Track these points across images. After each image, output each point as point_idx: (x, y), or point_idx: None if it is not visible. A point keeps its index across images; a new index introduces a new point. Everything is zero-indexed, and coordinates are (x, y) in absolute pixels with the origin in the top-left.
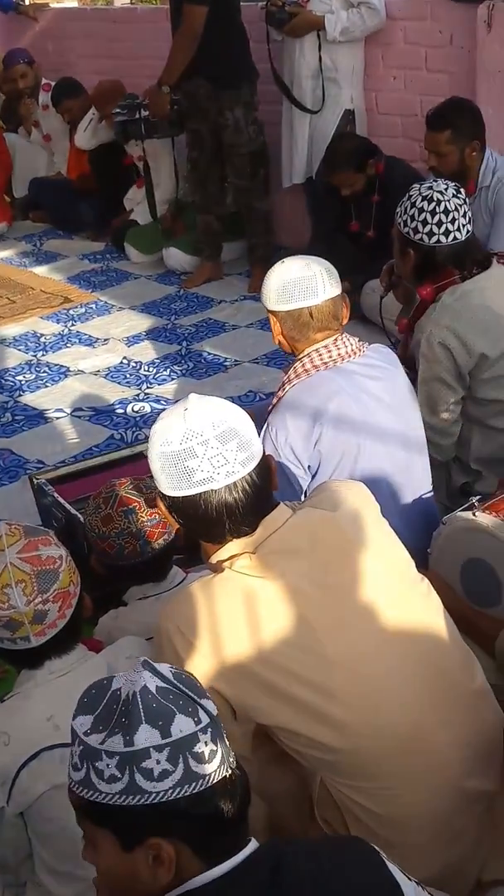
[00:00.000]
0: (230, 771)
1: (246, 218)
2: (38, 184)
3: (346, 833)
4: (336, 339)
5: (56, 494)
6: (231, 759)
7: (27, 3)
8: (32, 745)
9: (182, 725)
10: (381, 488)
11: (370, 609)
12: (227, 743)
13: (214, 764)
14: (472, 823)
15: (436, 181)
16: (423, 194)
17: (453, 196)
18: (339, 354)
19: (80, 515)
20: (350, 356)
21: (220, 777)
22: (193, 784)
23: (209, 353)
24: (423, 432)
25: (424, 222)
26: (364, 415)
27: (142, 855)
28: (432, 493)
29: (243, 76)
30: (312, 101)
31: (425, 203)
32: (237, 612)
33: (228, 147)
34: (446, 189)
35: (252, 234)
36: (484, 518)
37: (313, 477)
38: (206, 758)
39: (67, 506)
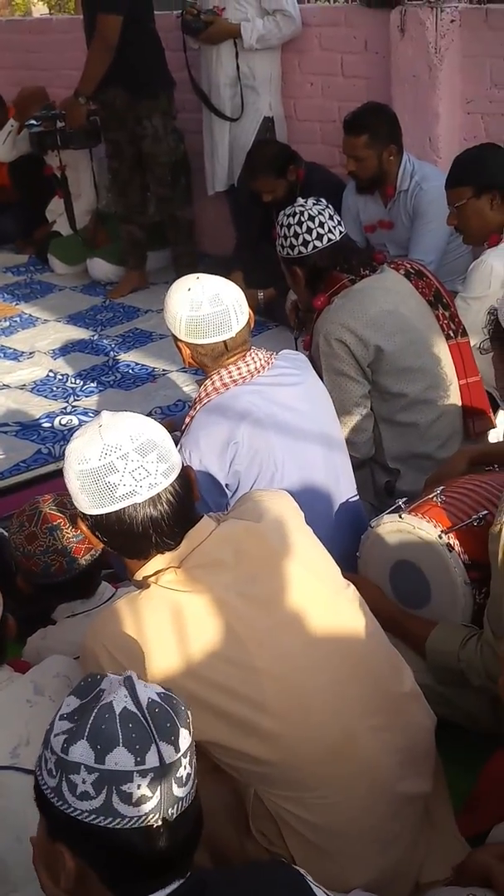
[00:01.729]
0: (165, 820)
1: (169, 227)
2: None
3: (283, 844)
4: (245, 356)
5: None
6: (173, 809)
7: None
8: None
9: (120, 759)
10: (304, 496)
11: (298, 619)
12: (182, 788)
13: (143, 809)
14: (408, 826)
15: (297, 200)
16: (287, 213)
17: (314, 204)
18: (248, 371)
19: (5, 533)
20: (260, 370)
21: (145, 823)
22: (110, 819)
23: (136, 364)
24: (341, 433)
25: (296, 235)
26: (279, 428)
27: (58, 850)
28: (357, 496)
29: (160, 85)
30: (231, 109)
31: (291, 219)
32: (164, 628)
33: (148, 156)
34: (306, 202)
35: (176, 242)
36: (411, 520)
37: (233, 495)
38: (134, 800)
39: None
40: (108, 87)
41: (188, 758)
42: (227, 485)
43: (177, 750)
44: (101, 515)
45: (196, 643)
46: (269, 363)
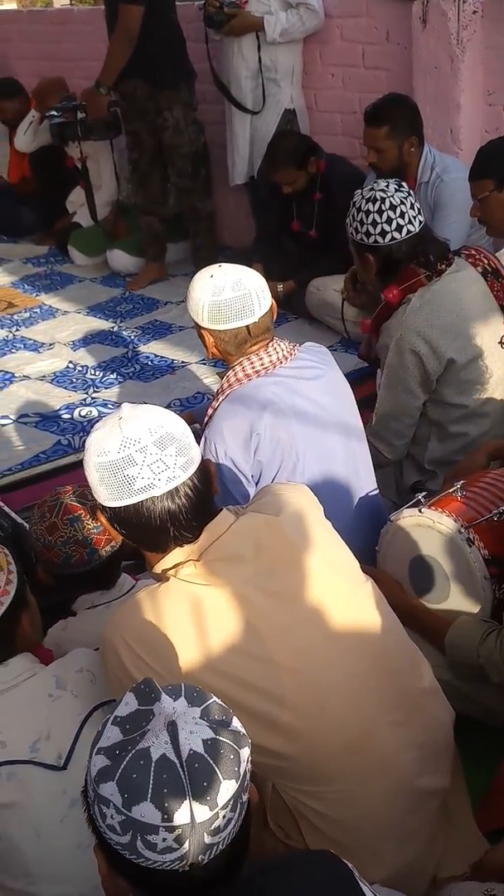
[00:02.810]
0: (193, 865)
1: (189, 218)
2: None
3: (300, 838)
4: (267, 346)
5: (1, 503)
6: (203, 856)
7: None
8: None
9: (146, 813)
10: (324, 490)
11: (317, 613)
12: (217, 836)
13: (167, 857)
14: (426, 822)
15: (376, 182)
16: (367, 197)
17: (396, 191)
18: (270, 361)
19: (26, 524)
20: (283, 361)
21: (171, 868)
22: (135, 857)
23: (156, 356)
24: (362, 426)
25: (374, 223)
26: (300, 419)
27: (99, 857)
28: (377, 490)
29: (181, 76)
30: (252, 102)
31: (371, 205)
32: (184, 621)
33: (169, 148)
34: (388, 186)
35: (195, 234)
36: (431, 514)
37: (255, 485)
38: (159, 850)
39: (13, 515)
40: (128, 78)
41: (229, 807)
42: (251, 476)
43: (212, 807)
44: (120, 508)
45: (215, 637)
46: (291, 354)
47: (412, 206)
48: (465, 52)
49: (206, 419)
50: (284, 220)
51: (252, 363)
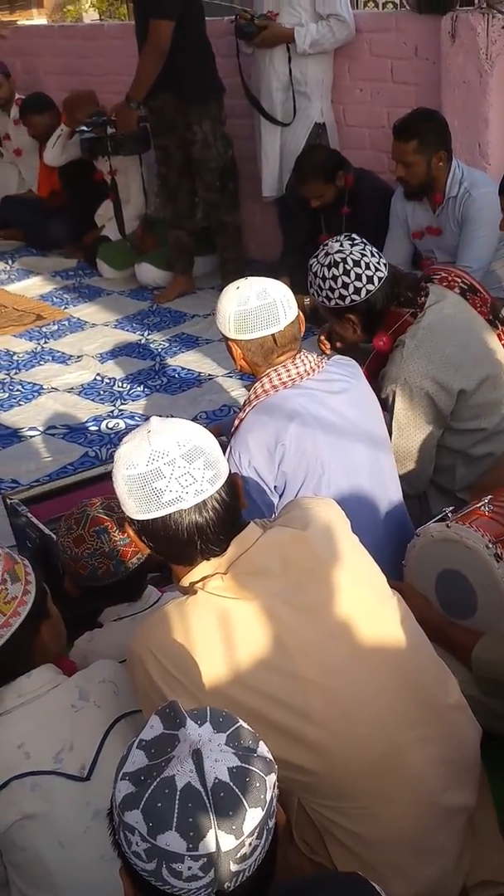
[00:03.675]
0: (220, 892)
1: (216, 232)
2: (9, 202)
3: (326, 854)
4: (294, 358)
5: (30, 515)
6: (230, 883)
7: None
8: (3, 774)
9: (171, 842)
10: (350, 502)
11: (344, 628)
12: (243, 863)
13: (193, 885)
14: (453, 838)
15: (325, 245)
16: (324, 264)
17: (351, 246)
18: (297, 373)
19: (53, 536)
20: (310, 373)
21: (192, 893)
22: (161, 884)
23: (183, 368)
24: (388, 438)
25: (345, 286)
26: (326, 431)
27: (122, 873)
28: (404, 505)
29: (210, 91)
30: (283, 114)
31: (334, 270)
32: (211, 635)
33: (197, 162)
34: (341, 245)
35: (223, 248)
36: (458, 529)
37: (280, 496)
38: (184, 878)
39: (41, 526)
40: (158, 92)
41: (255, 835)
42: (274, 487)
43: (238, 836)
44: (148, 521)
45: (242, 651)
46: (319, 366)
47: (372, 254)
48: (493, 66)
49: (232, 429)
50: (313, 234)
51: (279, 374)
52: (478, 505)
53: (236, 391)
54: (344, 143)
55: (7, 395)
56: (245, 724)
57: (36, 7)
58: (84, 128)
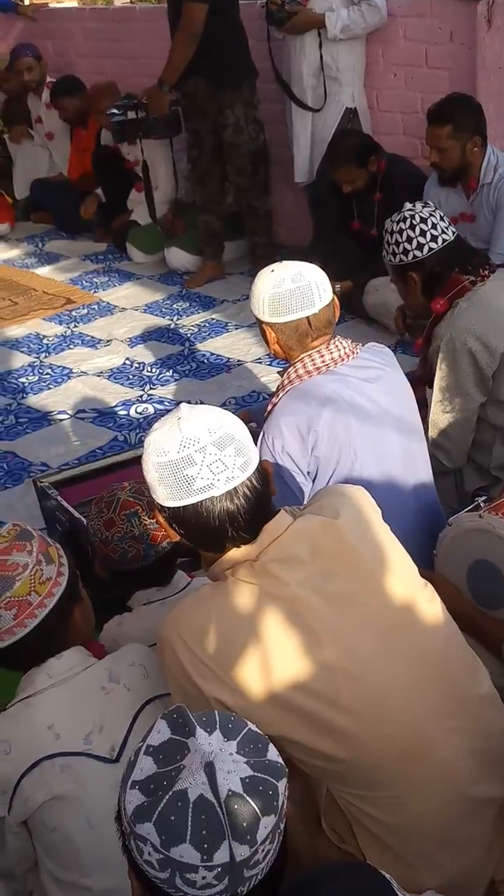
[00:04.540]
0: (234, 895)
1: (247, 217)
2: (40, 185)
3: (355, 843)
4: (329, 343)
5: (60, 498)
6: (243, 888)
7: (27, 3)
8: (33, 755)
9: (185, 854)
10: (382, 490)
11: (374, 617)
12: (256, 868)
13: (206, 893)
14: (482, 829)
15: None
16: (395, 220)
17: (423, 207)
18: (332, 358)
19: (83, 519)
20: (344, 359)
21: None
22: (174, 890)
23: (212, 354)
24: (422, 427)
25: (409, 239)
26: (360, 418)
27: (130, 875)
28: (435, 493)
29: (243, 75)
30: (314, 100)
31: (401, 224)
32: (241, 621)
33: (229, 146)
34: (413, 205)
35: (253, 233)
36: (490, 519)
37: (312, 482)
38: (198, 886)
39: (71, 509)
40: (190, 76)
41: (268, 840)
42: (307, 472)
43: (252, 846)
44: (179, 508)
45: (272, 638)
46: (353, 353)
47: (441, 219)
48: None
49: (265, 414)
50: (344, 220)
51: (313, 360)
52: None
53: (266, 377)
54: (377, 128)
55: (37, 378)
56: (253, 727)
57: None
58: (115, 111)
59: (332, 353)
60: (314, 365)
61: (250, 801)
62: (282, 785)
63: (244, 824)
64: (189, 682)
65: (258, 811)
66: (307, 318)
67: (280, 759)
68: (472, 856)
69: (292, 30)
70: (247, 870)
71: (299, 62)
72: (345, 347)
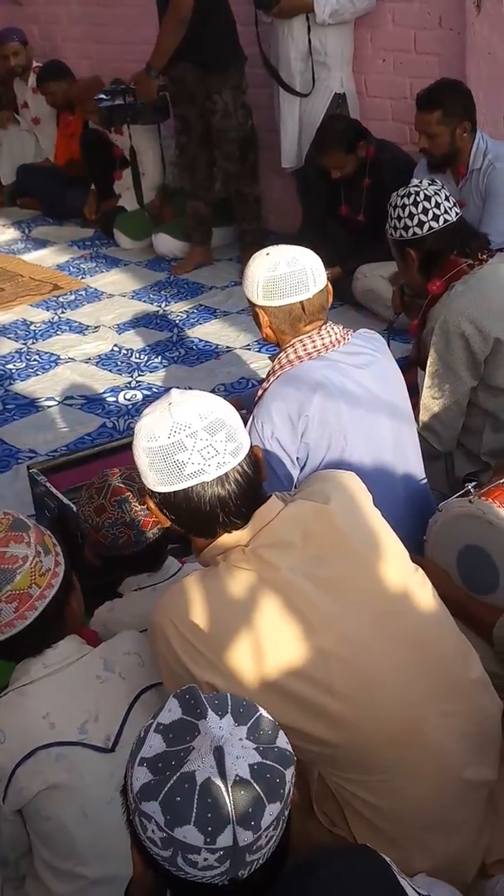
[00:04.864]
0: (233, 880)
1: (235, 203)
2: (26, 170)
3: (346, 827)
4: (321, 329)
5: (48, 484)
6: (244, 871)
7: None
8: (28, 744)
9: (189, 835)
10: (372, 476)
11: (365, 601)
12: (258, 853)
13: (208, 874)
14: (473, 813)
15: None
16: (400, 194)
17: (429, 185)
18: (323, 344)
19: (72, 505)
20: (335, 345)
21: (212, 882)
22: (175, 869)
23: (200, 340)
24: (412, 413)
25: (411, 216)
26: (350, 404)
27: (135, 854)
28: (426, 480)
29: (231, 60)
30: (302, 85)
31: (406, 199)
32: (233, 607)
33: (217, 131)
34: (420, 181)
35: (242, 219)
36: (480, 504)
37: (302, 468)
38: (199, 867)
39: (60, 495)
40: (178, 61)
41: (272, 827)
42: (297, 458)
43: (255, 831)
44: (169, 493)
45: (263, 624)
46: (345, 339)
47: (447, 198)
48: None
49: (256, 399)
50: (333, 206)
51: (304, 345)
52: (501, 481)
53: (255, 363)
54: (365, 113)
55: (24, 364)
56: (265, 713)
57: None
58: (103, 96)
59: (323, 338)
60: (305, 350)
61: (257, 787)
62: (289, 773)
63: (249, 810)
64: (181, 667)
65: (264, 798)
66: (301, 302)
67: (289, 747)
68: (463, 839)
69: (280, 14)
70: (249, 854)
71: (287, 47)
72: (336, 333)
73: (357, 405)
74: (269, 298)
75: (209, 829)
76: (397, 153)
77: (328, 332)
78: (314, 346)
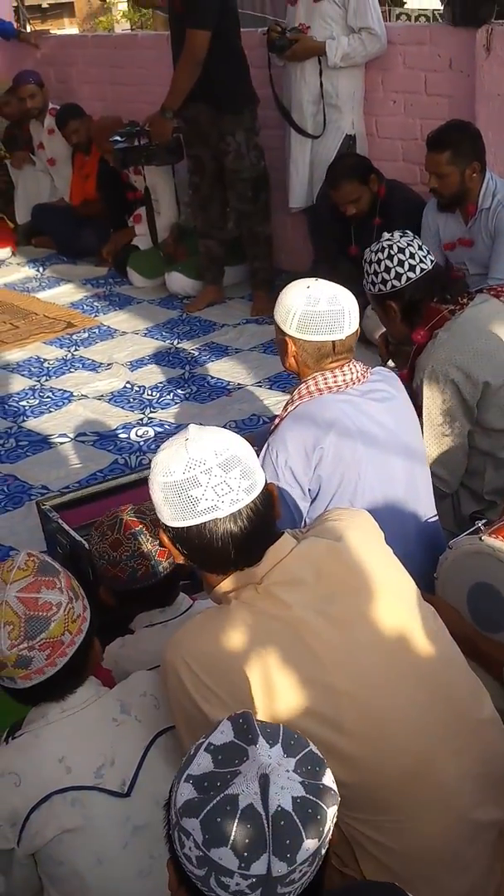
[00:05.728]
0: None
1: (247, 242)
2: (41, 210)
3: (357, 867)
4: (343, 366)
5: (60, 521)
6: None
7: (28, 30)
8: (43, 788)
9: (224, 857)
10: (384, 514)
11: (377, 639)
12: (290, 886)
13: None
14: (483, 853)
15: (382, 236)
16: (374, 250)
17: (400, 237)
18: (343, 380)
19: (84, 542)
20: (355, 382)
21: None
22: (207, 890)
23: (212, 377)
24: (425, 451)
25: (387, 269)
26: (365, 440)
27: (170, 867)
28: (437, 517)
29: (244, 101)
30: (313, 127)
31: (380, 254)
32: (245, 645)
33: (230, 172)
34: (392, 235)
35: (254, 258)
36: (490, 542)
37: (312, 501)
38: (230, 890)
39: (72, 532)
40: (192, 102)
41: (307, 863)
42: (308, 490)
43: (290, 864)
44: (183, 528)
45: (275, 662)
46: (364, 377)
47: (420, 248)
48: None
49: (272, 427)
50: (343, 245)
51: (325, 379)
52: None
53: (266, 400)
54: (376, 154)
55: (38, 401)
56: (314, 749)
57: (68, 17)
58: (118, 138)
59: (344, 374)
60: (326, 384)
61: (297, 820)
62: (331, 812)
63: (287, 842)
64: (193, 705)
65: (303, 832)
66: (333, 342)
67: (334, 786)
68: (473, 879)
69: (293, 57)
70: (281, 886)
71: (300, 89)
72: (357, 371)
73: (372, 442)
74: (302, 331)
75: (245, 854)
76: (408, 193)
77: (350, 369)
78: (335, 381)
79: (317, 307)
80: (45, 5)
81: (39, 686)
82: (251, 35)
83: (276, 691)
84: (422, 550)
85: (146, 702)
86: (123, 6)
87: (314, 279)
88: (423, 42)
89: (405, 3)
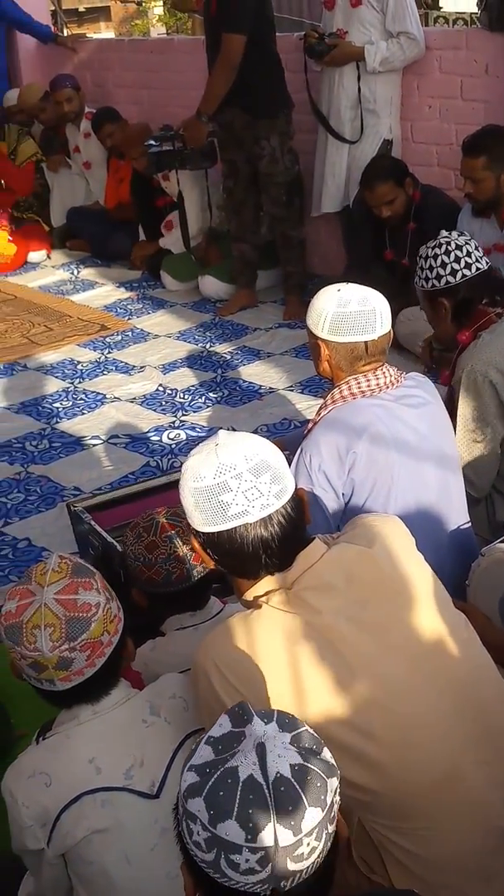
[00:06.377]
0: (275, 890)
1: (280, 246)
2: (76, 213)
3: (385, 873)
4: (377, 370)
5: (93, 522)
6: (286, 882)
7: (65, 34)
8: (74, 789)
9: (231, 831)
10: (416, 520)
11: (407, 646)
12: (301, 863)
13: (250, 879)
14: None
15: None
16: (430, 246)
17: (458, 236)
18: (377, 384)
19: (116, 544)
20: (389, 386)
21: (253, 890)
22: (219, 876)
23: (244, 381)
24: (458, 458)
25: (444, 265)
26: (399, 445)
27: (183, 869)
28: (469, 524)
29: (279, 106)
30: (351, 132)
31: (437, 250)
32: (275, 650)
33: (264, 176)
34: (450, 233)
35: (286, 262)
36: None
37: (346, 505)
38: (241, 870)
39: (104, 533)
40: (227, 106)
41: (314, 835)
42: (342, 494)
43: (296, 832)
44: (213, 533)
45: (306, 667)
46: (398, 381)
47: (476, 248)
48: None
49: (306, 431)
50: (377, 249)
51: (359, 383)
52: None
53: (298, 405)
54: (411, 159)
55: (71, 403)
56: (310, 730)
57: (104, 21)
58: (152, 142)
59: (378, 379)
60: (359, 388)
61: (297, 787)
62: (332, 783)
63: (289, 808)
64: (222, 708)
65: (305, 799)
66: (365, 342)
67: (333, 761)
68: (500, 888)
69: (332, 62)
70: (291, 861)
71: (337, 94)
72: (391, 375)
73: (405, 447)
74: (334, 333)
75: (250, 825)
76: (443, 198)
77: (384, 373)
78: (368, 386)
79: (347, 308)
80: (81, 9)
81: (77, 688)
82: (287, 39)
83: (306, 696)
84: (454, 557)
85: (175, 704)
86: (159, 10)
87: (344, 283)
88: (460, 47)
89: (441, 7)
